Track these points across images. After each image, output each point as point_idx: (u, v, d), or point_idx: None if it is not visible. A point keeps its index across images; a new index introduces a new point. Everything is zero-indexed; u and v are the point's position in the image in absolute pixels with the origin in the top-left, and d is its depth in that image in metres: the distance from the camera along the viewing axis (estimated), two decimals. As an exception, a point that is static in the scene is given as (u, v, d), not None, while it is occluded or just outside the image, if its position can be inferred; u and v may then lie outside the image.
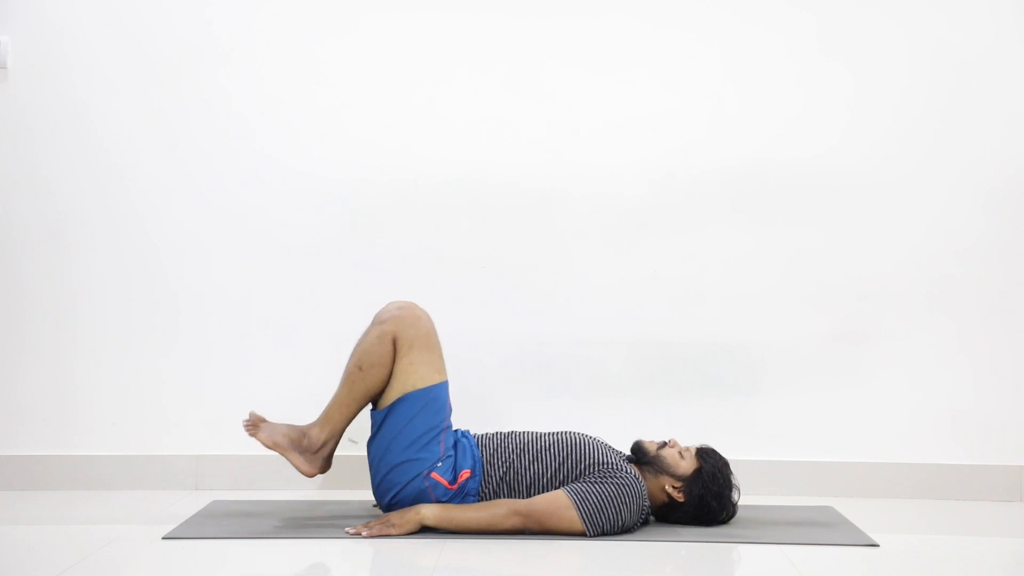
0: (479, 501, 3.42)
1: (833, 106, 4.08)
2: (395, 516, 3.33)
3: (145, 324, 4.07)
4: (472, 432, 3.56)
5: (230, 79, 4.08)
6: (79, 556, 3.09)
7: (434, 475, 3.37)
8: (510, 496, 3.41)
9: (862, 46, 4.08)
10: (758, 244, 4.08)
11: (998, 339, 4.05)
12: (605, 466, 3.38)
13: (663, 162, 4.08)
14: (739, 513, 3.53)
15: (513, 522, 3.32)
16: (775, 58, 4.09)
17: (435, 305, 4.05)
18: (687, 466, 3.46)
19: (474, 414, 3.81)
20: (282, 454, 3.48)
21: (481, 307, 4.07)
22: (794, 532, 3.44)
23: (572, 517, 3.31)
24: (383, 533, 3.29)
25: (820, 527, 3.52)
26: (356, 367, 3.43)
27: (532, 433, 3.51)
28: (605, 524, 3.32)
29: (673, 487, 3.44)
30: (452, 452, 3.41)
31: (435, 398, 3.42)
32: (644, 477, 3.45)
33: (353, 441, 4.06)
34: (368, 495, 3.85)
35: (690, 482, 3.44)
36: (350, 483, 4.00)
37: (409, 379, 3.41)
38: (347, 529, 3.33)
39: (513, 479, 3.41)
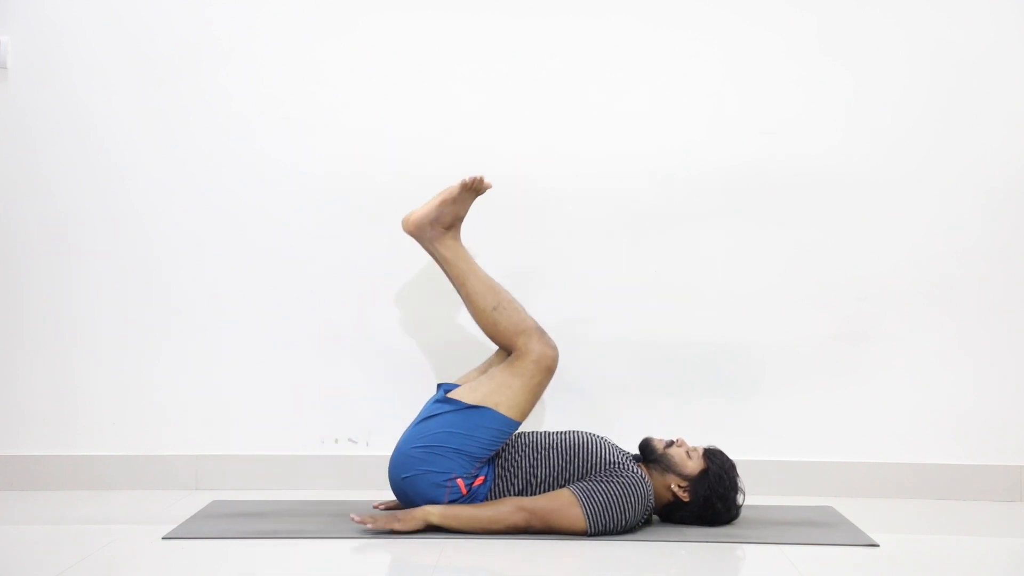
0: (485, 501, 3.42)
1: (833, 106, 4.08)
2: (401, 513, 3.33)
3: (145, 324, 4.07)
4: None
5: (230, 79, 4.08)
6: (79, 556, 3.09)
7: (459, 481, 3.38)
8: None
9: (862, 46, 4.08)
10: (758, 244, 4.08)
11: (998, 339, 4.05)
12: (612, 465, 3.38)
13: (663, 162, 4.08)
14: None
15: (517, 519, 3.32)
16: (775, 58, 4.09)
17: (435, 305, 4.07)
18: (694, 466, 3.46)
19: (474, 414, 3.81)
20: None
21: (481, 307, 4.07)
22: (794, 532, 3.44)
23: (576, 515, 3.31)
24: (388, 528, 3.29)
25: (820, 527, 3.52)
26: (498, 304, 3.51)
27: (538, 433, 3.52)
28: (609, 523, 3.32)
29: (679, 486, 3.44)
30: (481, 472, 3.42)
31: (505, 432, 3.43)
32: (650, 475, 3.45)
33: (353, 441, 4.07)
34: (369, 496, 3.86)
35: (696, 482, 3.44)
36: (350, 483, 4.01)
37: (501, 396, 3.44)
38: (353, 516, 3.33)
39: (521, 479, 3.41)
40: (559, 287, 4.08)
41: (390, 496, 3.72)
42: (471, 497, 3.39)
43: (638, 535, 3.35)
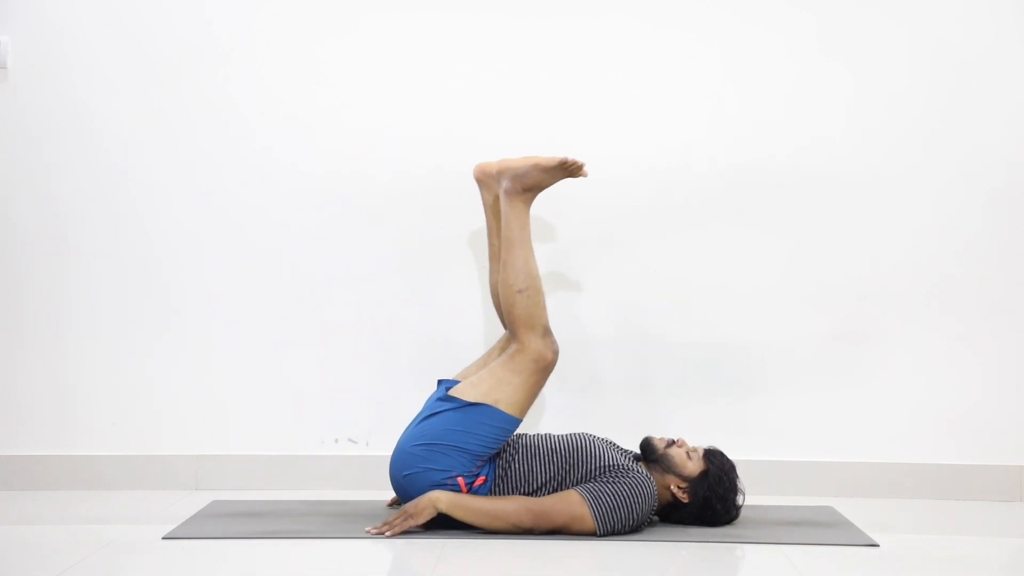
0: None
1: (833, 106, 4.08)
2: (410, 507, 3.32)
3: (145, 323, 4.07)
4: None
5: (230, 79, 4.08)
6: (79, 556, 3.09)
7: (460, 480, 3.38)
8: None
9: (862, 46, 4.08)
10: (758, 244, 4.08)
11: (998, 339, 4.05)
12: (617, 467, 3.37)
13: (663, 162, 4.08)
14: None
15: (524, 519, 3.31)
16: (775, 58, 4.09)
17: (435, 305, 4.07)
18: (694, 467, 3.46)
19: (474, 414, 3.81)
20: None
21: (481, 306, 4.07)
22: (794, 532, 3.44)
23: (584, 516, 3.31)
24: (405, 528, 3.29)
25: (820, 527, 3.52)
26: (527, 288, 3.49)
27: (540, 435, 3.51)
28: (617, 524, 3.32)
29: (678, 487, 3.44)
30: (482, 471, 3.41)
31: (506, 429, 3.42)
32: (651, 475, 3.45)
33: (353, 441, 4.07)
34: (369, 496, 3.86)
35: (696, 483, 3.44)
36: (350, 483, 4.01)
37: (501, 393, 3.42)
38: (368, 529, 3.32)
39: (522, 481, 3.40)
40: (559, 287, 4.07)
41: (391, 495, 3.72)
42: (470, 492, 3.38)
43: (638, 535, 3.35)
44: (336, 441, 4.07)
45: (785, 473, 4.02)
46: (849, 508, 3.77)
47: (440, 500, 3.32)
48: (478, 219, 4.00)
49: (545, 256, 4.07)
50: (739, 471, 3.51)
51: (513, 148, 4.05)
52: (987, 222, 4.06)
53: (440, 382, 3.58)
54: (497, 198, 3.67)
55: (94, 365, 4.06)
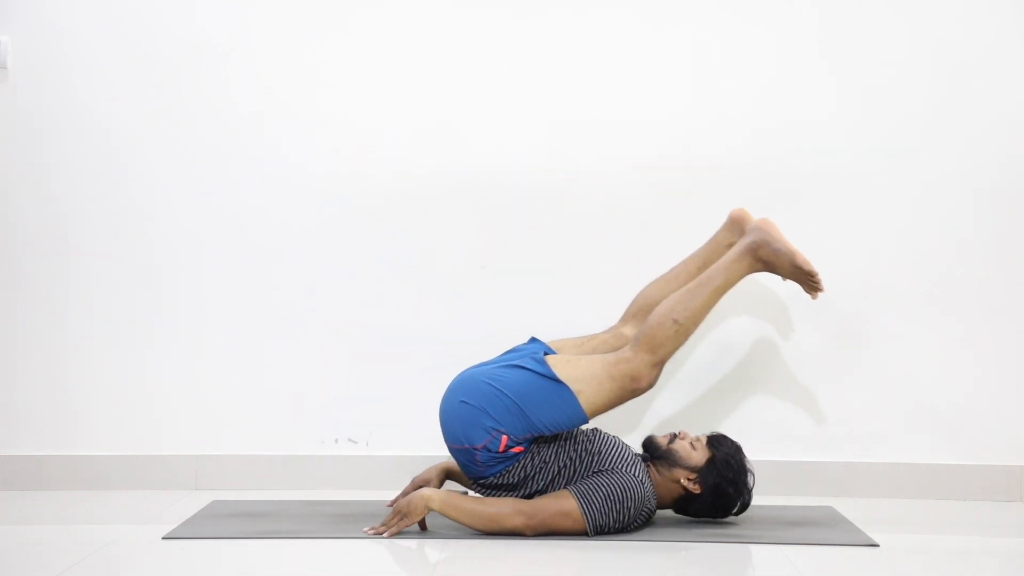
0: (490, 493, 3.41)
1: (833, 106, 4.08)
2: (403, 505, 3.33)
3: (146, 323, 4.07)
4: None
5: (230, 79, 4.08)
6: (79, 556, 3.09)
7: (503, 437, 3.35)
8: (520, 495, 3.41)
9: (862, 47, 4.08)
10: (758, 244, 4.08)
11: (998, 338, 4.05)
12: (613, 463, 3.37)
13: (663, 161, 4.08)
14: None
15: (516, 522, 3.31)
16: (775, 58, 4.09)
17: (435, 304, 4.07)
18: (699, 456, 3.46)
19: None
20: None
21: (481, 306, 4.06)
22: (794, 532, 3.44)
23: (576, 516, 3.31)
24: (401, 528, 3.30)
25: (820, 527, 3.52)
26: (684, 323, 3.48)
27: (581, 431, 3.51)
28: (606, 522, 3.32)
29: (688, 479, 3.44)
30: (523, 443, 3.37)
31: (572, 421, 3.39)
32: (658, 472, 3.45)
33: (353, 441, 4.07)
34: (369, 496, 3.86)
35: (704, 472, 3.44)
36: (350, 483, 4.01)
37: (587, 386, 3.39)
38: (366, 529, 3.33)
39: (541, 464, 3.39)
40: (559, 286, 4.07)
41: (391, 496, 3.72)
42: (503, 458, 3.36)
43: (638, 535, 3.35)
44: (336, 441, 4.07)
45: (785, 473, 4.02)
46: (849, 508, 3.77)
47: (432, 499, 3.32)
48: (478, 218, 4.01)
49: (545, 254, 4.07)
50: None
51: (513, 147, 4.07)
52: (987, 222, 4.06)
53: (533, 339, 3.57)
54: (732, 244, 3.65)
55: (94, 365, 4.06)
